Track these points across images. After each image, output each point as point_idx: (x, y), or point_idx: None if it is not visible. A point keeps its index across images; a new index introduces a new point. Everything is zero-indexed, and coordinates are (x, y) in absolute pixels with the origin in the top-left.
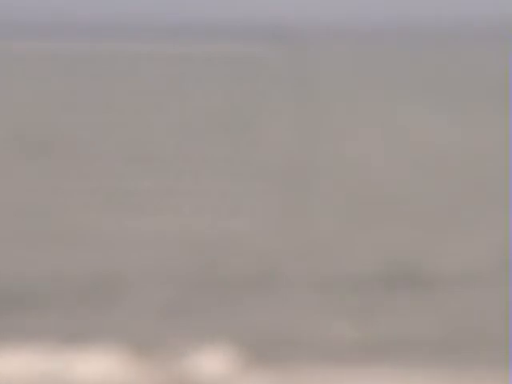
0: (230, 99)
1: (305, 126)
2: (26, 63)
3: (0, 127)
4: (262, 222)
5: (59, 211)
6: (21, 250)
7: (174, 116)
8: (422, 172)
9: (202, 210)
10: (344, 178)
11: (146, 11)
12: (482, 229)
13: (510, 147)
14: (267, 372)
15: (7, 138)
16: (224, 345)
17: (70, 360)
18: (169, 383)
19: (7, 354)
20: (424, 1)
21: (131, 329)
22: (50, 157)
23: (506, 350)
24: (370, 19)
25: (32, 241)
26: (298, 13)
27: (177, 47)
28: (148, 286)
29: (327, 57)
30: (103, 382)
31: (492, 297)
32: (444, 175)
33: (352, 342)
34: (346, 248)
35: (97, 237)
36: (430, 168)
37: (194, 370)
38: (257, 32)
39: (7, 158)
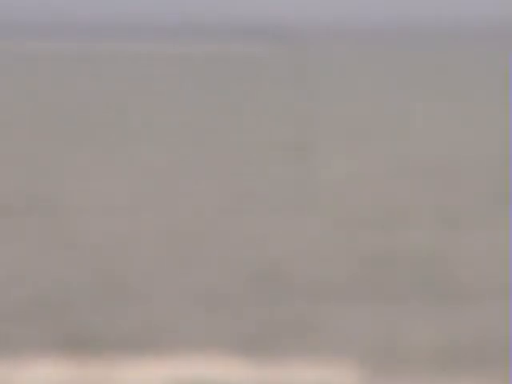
0: (230, 99)
1: (305, 125)
2: (26, 63)
3: (0, 127)
4: (264, 222)
5: (59, 211)
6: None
7: (173, 116)
8: (421, 173)
9: (203, 209)
10: (344, 178)
11: (145, 11)
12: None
13: (510, 147)
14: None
15: (7, 137)
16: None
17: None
18: None
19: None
20: (424, 1)
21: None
22: (50, 156)
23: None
24: (369, 19)
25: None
26: (297, 13)
27: (177, 47)
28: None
29: (327, 57)
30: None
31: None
32: (444, 176)
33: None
34: (352, 250)
35: (96, 238)
36: (429, 168)
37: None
38: (257, 32)
39: (8, 159)
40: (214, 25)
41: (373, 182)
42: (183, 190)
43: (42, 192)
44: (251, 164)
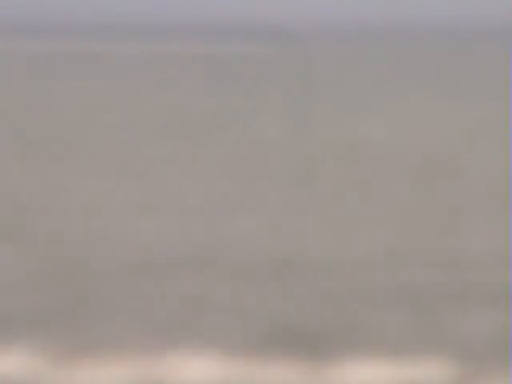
0: (230, 99)
1: (305, 126)
2: (26, 63)
3: (0, 127)
4: (263, 222)
5: (59, 211)
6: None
7: (173, 116)
8: (421, 173)
9: (203, 209)
10: (343, 179)
11: (145, 11)
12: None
13: (510, 147)
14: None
15: (7, 137)
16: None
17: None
18: None
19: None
20: (424, 1)
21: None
22: (50, 157)
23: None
24: (369, 19)
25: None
26: (298, 13)
27: (177, 47)
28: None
29: (327, 57)
30: None
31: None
32: (444, 176)
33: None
34: (350, 250)
35: (97, 236)
36: (429, 168)
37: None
38: (257, 32)
39: (7, 157)
40: (214, 25)
41: (373, 181)
42: (183, 190)
43: (41, 192)
44: (251, 164)
